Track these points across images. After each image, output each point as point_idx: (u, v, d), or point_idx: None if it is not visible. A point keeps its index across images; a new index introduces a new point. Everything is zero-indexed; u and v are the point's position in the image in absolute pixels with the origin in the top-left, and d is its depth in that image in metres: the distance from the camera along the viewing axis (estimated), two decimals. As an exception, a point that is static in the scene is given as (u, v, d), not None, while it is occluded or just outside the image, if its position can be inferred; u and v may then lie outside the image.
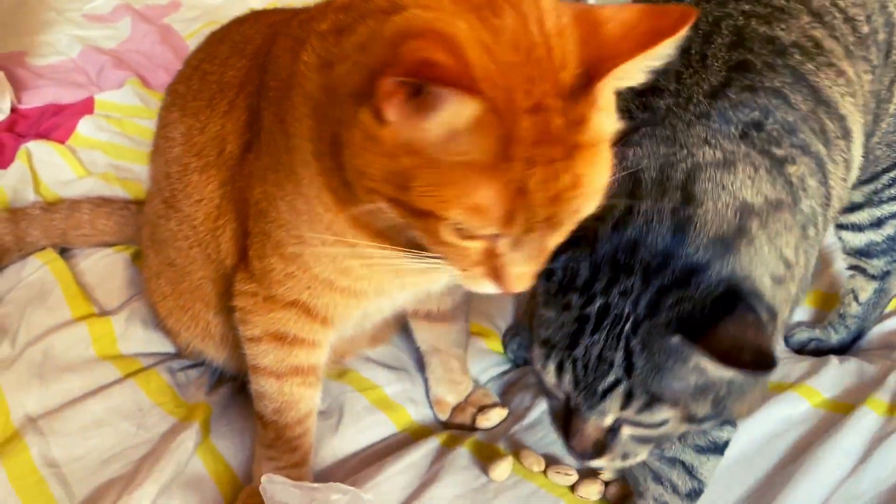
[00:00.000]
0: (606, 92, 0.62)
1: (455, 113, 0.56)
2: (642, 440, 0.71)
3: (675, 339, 0.63)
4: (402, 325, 1.11)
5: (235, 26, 0.95)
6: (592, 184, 0.61)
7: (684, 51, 0.74)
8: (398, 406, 1.05)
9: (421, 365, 1.09)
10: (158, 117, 0.96)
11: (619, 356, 0.66)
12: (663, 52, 0.61)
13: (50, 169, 1.38)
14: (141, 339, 1.11)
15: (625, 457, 0.73)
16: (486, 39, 0.57)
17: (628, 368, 0.66)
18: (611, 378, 0.66)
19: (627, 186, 0.68)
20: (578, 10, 0.63)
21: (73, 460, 0.93)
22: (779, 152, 0.74)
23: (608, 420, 0.70)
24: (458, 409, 1.05)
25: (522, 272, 0.64)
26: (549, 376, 0.70)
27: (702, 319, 0.63)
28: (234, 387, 1.06)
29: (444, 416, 1.05)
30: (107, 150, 1.47)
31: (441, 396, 1.06)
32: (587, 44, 0.60)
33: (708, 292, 0.64)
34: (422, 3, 0.61)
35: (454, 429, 1.03)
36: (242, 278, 0.86)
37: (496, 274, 0.65)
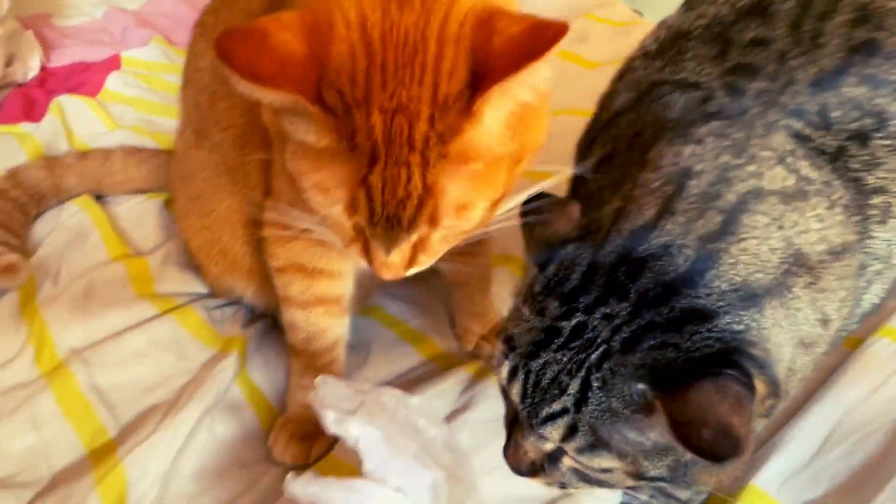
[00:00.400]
0: (494, 109, 0.61)
1: (273, 96, 0.58)
2: (584, 478, 0.62)
3: (640, 387, 0.55)
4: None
5: None
6: (451, 196, 0.62)
7: (792, 26, 0.64)
8: (424, 337, 1.09)
9: (445, 300, 1.13)
10: (188, 52, 0.99)
11: (574, 385, 0.57)
12: (538, 75, 0.59)
13: (82, 122, 1.42)
14: (175, 279, 1.15)
15: (563, 485, 0.65)
16: (368, 33, 0.59)
17: (579, 402, 0.57)
18: (557, 406, 0.58)
19: (667, 192, 0.59)
20: (484, 17, 0.61)
21: (117, 388, 0.98)
22: (871, 181, 0.61)
23: (548, 446, 0.62)
24: (483, 339, 1.08)
25: (384, 261, 0.67)
26: (502, 377, 0.63)
27: (678, 375, 0.53)
28: (267, 323, 1.10)
29: (469, 347, 1.09)
30: (135, 104, 1.51)
31: (466, 327, 1.09)
32: (476, 56, 0.60)
33: (701, 346, 0.54)
34: None
35: (481, 359, 1.06)
36: (268, 207, 0.89)
37: (367, 254, 0.68)
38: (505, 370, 0.61)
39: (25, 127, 1.43)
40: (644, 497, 0.77)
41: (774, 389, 0.55)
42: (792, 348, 0.58)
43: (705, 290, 0.55)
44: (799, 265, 0.57)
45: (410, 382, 1.02)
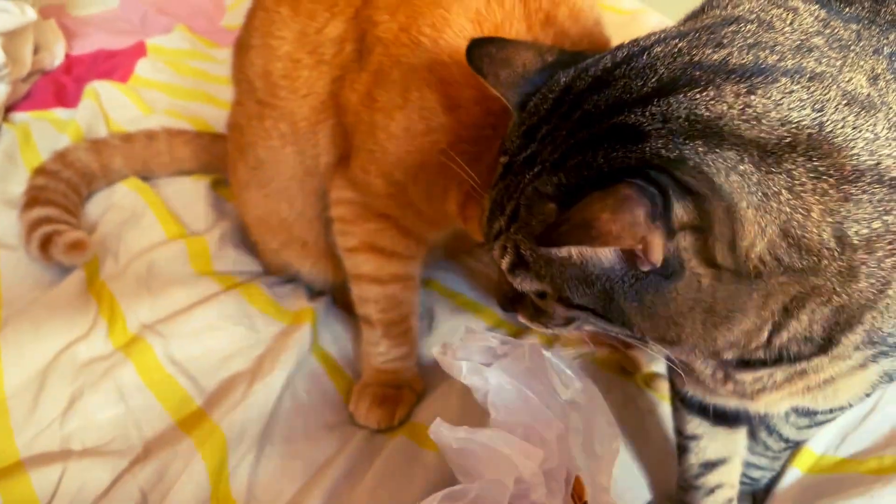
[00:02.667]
0: None
1: None
2: (540, 310, 0.60)
3: (550, 206, 0.52)
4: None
5: None
6: None
7: None
8: (483, 307, 1.12)
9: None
10: (252, 20, 0.98)
11: (509, 206, 0.56)
12: None
13: (117, 107, 1.43)
14: (233, 259, 1.17)
15: (542, 322, 0.61)
16: None
17: (510, 220, 0.56)
18: (496, 226, 0.57)
19: (696, 24, 0.55)
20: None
21: (194, 359, 0.99)
22: None
23: (504, 267, 0.58)
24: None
25: None
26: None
27: (584, 192, 0.48)
28: (328, 298, 1.12)
29: (526, 317, 1.12)
30: (166, 90, 1.51)
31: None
32: None
33: (617, 164, 0.49)
34: None
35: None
36: (341, 185, 0.92)
37: None
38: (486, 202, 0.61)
39: (59, 113, 1.42)
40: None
41: (706, 225, 0.47)
42: (768, 235, 0.47)
43: (652, 110, 0.49)
44: (814, 150, 0.47)
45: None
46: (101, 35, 1.66)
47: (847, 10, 0.55)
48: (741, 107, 0.48)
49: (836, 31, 0.53)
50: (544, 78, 0.59)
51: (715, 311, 0.51)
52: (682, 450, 0.76)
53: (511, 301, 0.63)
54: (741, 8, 0.56)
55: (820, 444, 0.87)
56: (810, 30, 0.53)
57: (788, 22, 0.53)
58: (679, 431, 0.76)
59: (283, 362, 0.96)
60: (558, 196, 0.52)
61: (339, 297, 1.12)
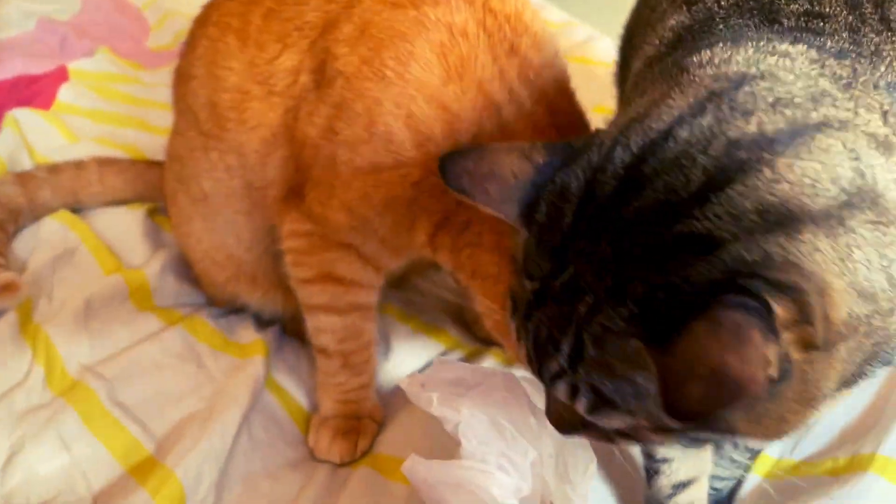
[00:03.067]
0: None
1: None
2: (618, 434, 0.55)
3: (633, 343, 0.46)
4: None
5: None
6: None
7: None
8: (439, 329, 1.11)
9: (452, 291, 1.15)
10: (190, 52, 0.95)
11: (566, 342, 0.50)
12: None
13: (40, 135, 1.35)
14: (174, 292, 1.12)
15: (610, 439, 0.57)
16: None
17: (573, 360, 0.50)
18: (555, 366, 0.52)
19: (712, 86, 0.51)
20: None
21: (141, 401, 0.95)
22: None
23: (582, 410, 0.53)
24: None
25: None
26: (514, 337, 0.57)
27: (670, 320, 0.43)
28: (280, 328, 1.09)
29: (482, 334, 1.11)
30: (91, 116, 1.45)
31: (476, 315, 1.12)
32: None
33: (698, 281, 0.44)
34: None
35: (496, 344, 1.09)
36: (296, 218, 0.89)
37: None
38: (513, 333, 0.56)
39: (-22, 143, 1.34)
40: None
41: (804, 311, 0.43)
42: (849, 296, 0.45)
43: (715, 210, 0.45)
44: (865, 201, 0.46)
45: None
46: (18, 59, 1.57)
47: (829, 43, 0.55)
48: (799, 179, 0.45)
49: (833, 70, 0.52)
50: (541, 182, 0.53)
51: (814, 391, 0.47)
52: (653, 473, 0.76)
53: (574, 427, 0.57)
54: (738, 63, 0.53)
55: (776, 449, 0.89)
56: (812, 73, 0.52)
57: (790, 69, 0.52)
58: (649, 455, 0.76)
59: (237, 399, 0.93)
60: (639, 332, 0.46)
61: (290, 327, 1.09)
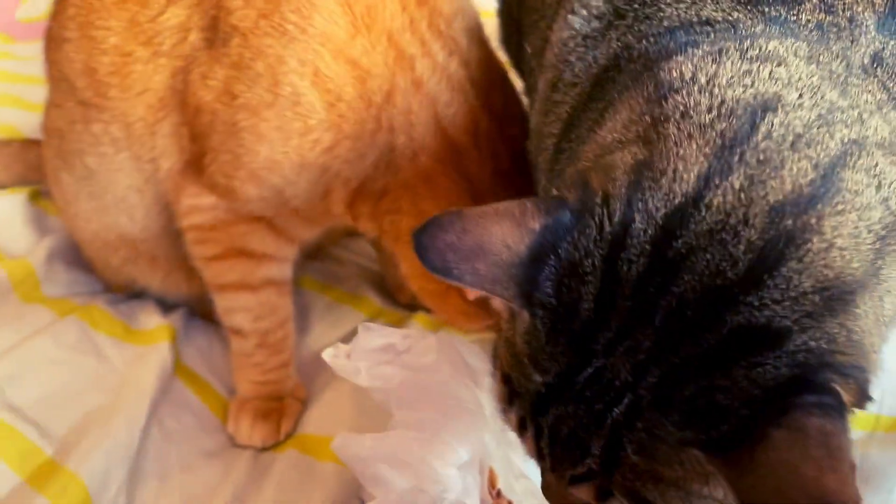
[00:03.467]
0: None
1: None
2: None
3: (693, 453, 0.41)
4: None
5: None
6: None
7: None
8: (361, 297, 1.05)
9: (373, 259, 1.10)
10: (60, 12, 0.85)
11: (597, 444, 0.43)
12: None
13: None
14: (65, 280, 1.03)
15: None
16: None
17: (608, 464, 0.44)
18: (581, 469, 0.45)
19: (723, 132, 0.44)
20: None
21: (36, 402, 0.85)
22: None
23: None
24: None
25: None
26: (511, 423, 0.50)
27: (737, 429, 0.39)
28: (186, 310, 1.01)
29: (405, 300, 1.06)
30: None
31: (397, 281, 1.07)
32: None
33: (765, 381, 0.39)
34: None
35: (420, 309, 1.05)
36: (196, 192, 0.83)
37: None
38: (513, 418, 0.49)
39: None
40: None
41: (864, 391, 0.40)
42: (877, 334, 0.43)
43: (773, 295, 0.40)
44: (892, 233, 0.43)
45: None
46: None
47: (805, 17, 0.50)
48: (846, 241, 0.41)
49: (829, 67, 0.47)
50: (539, 252, 0.45)
51: None
52: None
53: None
54: (733, 86, 0.46)
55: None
56: (813, 81, 0.46)
57: (791, 83, 0.46)
58: None
59: (143, 390, 0.85)
60: (697, 440, 0.40)
61: (199, 308, 1.01)
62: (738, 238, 0.41)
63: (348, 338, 0.98)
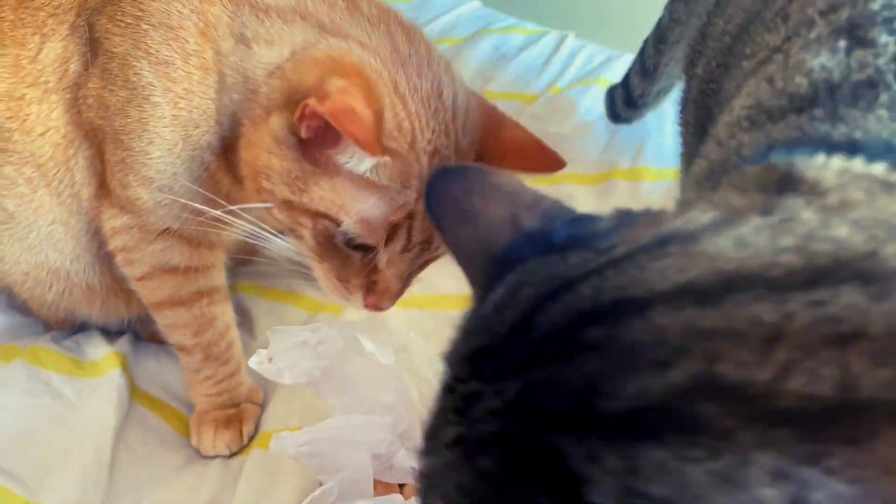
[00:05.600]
0: None
1: (360, 155, 0.67)
2: None
3: None
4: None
5: None
6: None
7: None
8: (299, 295, 1.09)
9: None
10: None
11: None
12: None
13: None
14: (4, 326, 1.04)
15: None
16: (403, 91, 0.70)
17: None
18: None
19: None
20: (486, 104, 0.79)
21: (1, 450, 0.87)
22: None
23: None
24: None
25: (393, 291, 0.75)
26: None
27: None
28: (130, 335, 1.03)
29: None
30: None
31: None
32: (486, 132, 0.76)
33: None
34: (358, 37, 0.73)
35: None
36: (112, 214, 0.85)
37: (369, 287, 0.75)
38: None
39: None
40: None
41: None
42: None
43: None
44: None
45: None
46: None
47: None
48: None
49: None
50: (511, 261, 0.38)
51: None
52: None
53: None
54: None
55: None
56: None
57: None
58: None
59: (105, 420, 0.88)
60: None
61: (143, 330, 1.03)
62: None
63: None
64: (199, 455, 0.90)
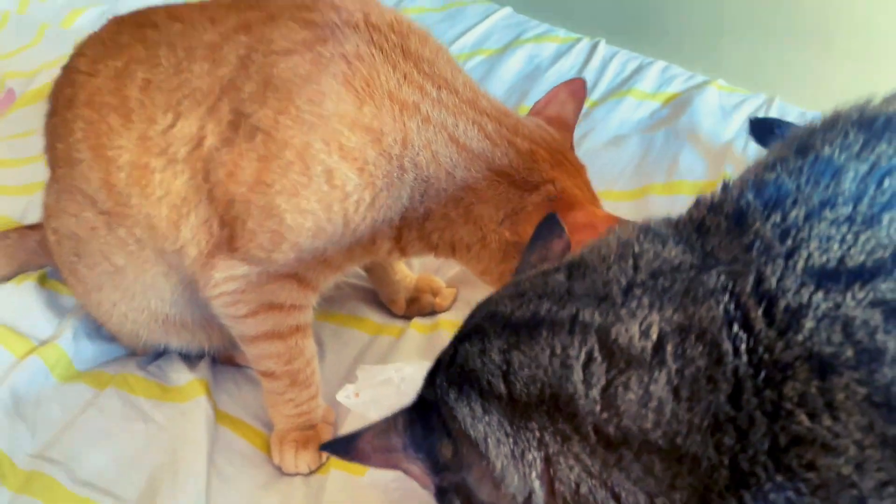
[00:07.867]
0: None
1: None
2: None
3: None
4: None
5: (168, 27, 0.94)
6: None
7: None
8: (360, 318, 1.17)
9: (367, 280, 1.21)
10: (67, 135, 0.94)
11: None
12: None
13: None
14: (93, 354, 1.13)
15: None
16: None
17: None
18: None
19: None
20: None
21: (104, 472, 0.97)
22: None
23: None
24: (412, 301, 1.19)
25: None
26: None
27: None
28: (209, 359, 1.12)
29: (401, 312, 1.19)
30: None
31: (391, 296, 1.19)
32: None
33: None
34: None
35: (414, 316, 1.17)
36: (229, 266, 0.92)
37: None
38: None
39: None
40: None
41: None
42: None
43: None
44: None
45: (369, 358, 1.11)
46: None
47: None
48: None
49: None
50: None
51: None
52: None
53: None
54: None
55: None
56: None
57: None
58: None
59: (198, 444, 0.97)
60: None
61: (220, 355, 1.12)
62: None
63: (358, 357, 1.12)
64: (281, 472, 0.99)
